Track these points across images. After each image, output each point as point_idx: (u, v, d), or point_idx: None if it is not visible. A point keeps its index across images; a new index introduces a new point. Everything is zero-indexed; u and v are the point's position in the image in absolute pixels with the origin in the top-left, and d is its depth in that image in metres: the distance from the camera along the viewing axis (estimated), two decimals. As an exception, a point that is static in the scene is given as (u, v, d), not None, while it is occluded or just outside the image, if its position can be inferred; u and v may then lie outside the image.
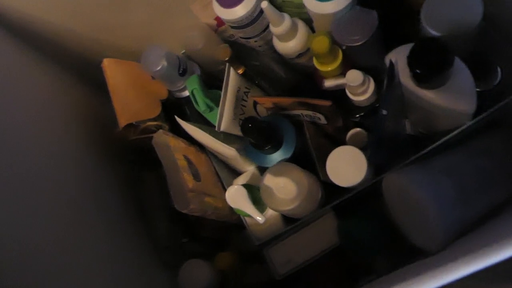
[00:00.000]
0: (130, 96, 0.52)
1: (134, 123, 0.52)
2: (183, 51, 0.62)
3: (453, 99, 0.43)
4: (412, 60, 0.40)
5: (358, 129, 0.54)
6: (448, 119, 0.46)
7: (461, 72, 0.43)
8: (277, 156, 0.50)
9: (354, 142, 0.53)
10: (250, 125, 0.44)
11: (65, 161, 0.50)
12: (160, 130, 0.50)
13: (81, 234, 0.47)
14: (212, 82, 0.58)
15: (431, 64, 0.39)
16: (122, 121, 0.51)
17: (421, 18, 0.44)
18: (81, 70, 0.59)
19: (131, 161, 0.58)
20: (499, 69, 0.45)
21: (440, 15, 0.43)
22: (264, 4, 0.47)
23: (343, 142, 0.54)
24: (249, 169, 0.55)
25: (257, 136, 0.46)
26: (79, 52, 0.58)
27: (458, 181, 0.46)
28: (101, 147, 0.56)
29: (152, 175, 0.55)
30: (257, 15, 0.53)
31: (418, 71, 0.40)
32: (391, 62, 0.42)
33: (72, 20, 0.54)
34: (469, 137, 0.51)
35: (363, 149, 0.51)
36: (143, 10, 0.56)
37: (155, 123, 0.53)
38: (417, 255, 0.46)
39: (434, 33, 0.43)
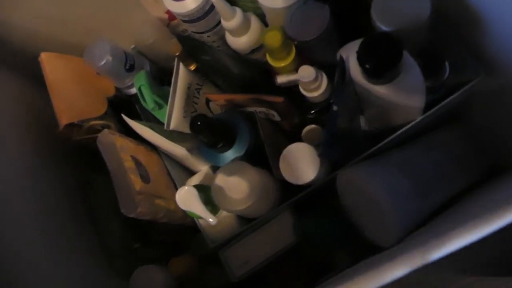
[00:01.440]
0: (72, 93, 0.49)
1: (76, 122, 0.48)
2: (133, 46, 0.59)
3: (403, 94, 0.43)
4: (361, 55, 0.40)
5: (313, 125, 0.53)
6: (400, 114, 0.46)
7: (410, 68, 0.43)
8: (230, 155, 0.48)
9: (310, 139, 0.52)
10: (199, 123, 0.42)
11: (3, 162, 0.46)
12: (105, 130, 0.47)
13: (24, 240, 0.43)
14: (165, 78, 0.56)
15: (380, 59, 0.39)
16: (63, 121, 0.47)
17: (372, 13, 0.43)
18: (21, 64, 0.55)
19: (78, 163, 0.55)
20: (447, 64, 0.45)
21: (389, 10, 0.43)
22: (213, -2, 0.45)
23: (299, 139, 0.53)
24: (202, 169, 0.53)
25: (207, 134, 0.45)
26: (19, 45, 0.54)
27: (413, 174, 0.46)
28: (44, 147, 0.52)
29: (101, 178, 0.52)
30: (209, 8, 0.51)
31: (367, 66, 0.39)
32: (341, 58, 0.42)
33: (11, 12, 0.50)
34: (424, 131, 0.52)
35: (318, 145, 0.51)
36: (90, 2, 0.53)
37: (100, 122, 0.50)
38: (377, 249, 0.46)
39: (384, 28, 0.43)
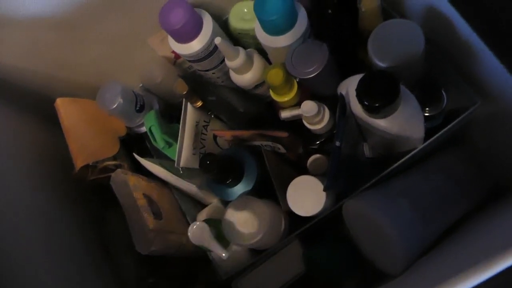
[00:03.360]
0: (86, 135, 0.51)
1: (91, 163, 0.51)
2: (141, 84, 0.62)
3: (402, 127, 0.45)
4: (360, 93, 0.41)
5: (318, 155, 0.54)
6: (401, 144, 0.48)
7: (408, 100, 0.44)
8: (238, 189, 0.50)
9: (316, 168, 0.54)
10: (208, 162, 0.44)
11: (21, 203, 0.48)
12: (118, 170, 0.49)
13: (40, 278, 0.45)
14: (173, 114, 0.58)
15: (378, 96, 0.41)
16: (79, 163, 0.49)
17: (368, 49, 0.45)
18: (38, 108, 0.58)
19: (92, 201, 0.57)
20: (444, 93, 0.47)
21: (385, 46, 0.44)
22: (218, 40, 0.47)
23: (305, 168, 0.55)
24: (213, 201, 0.55)
25: (216, 172, 0.47)
26: (34, 90, 0.57)
27: (416, 202, 0.47)
28: (60, 187, 0.54)
29: (114, 215, 0.54)
30: (213, 48, 0.53)
31: (366, 103, 0.41)
32: (341, 95, 0.44)
33: (27, 59, 0.53)
34: (425, 157, 0.53)
35: (324, 174, 0.53)
36: (99, 46, 0.55)
37: (113, 162, 0.52)
38: (384, 278, 0.47)
39: (380, 64, 0.44)
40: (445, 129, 0.47)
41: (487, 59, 0.41)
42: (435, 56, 0.48)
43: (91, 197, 0.57)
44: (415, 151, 0.47)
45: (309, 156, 0.55)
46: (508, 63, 0.39)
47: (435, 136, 0.47)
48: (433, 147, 0.51)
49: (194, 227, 0.46)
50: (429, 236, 0.47)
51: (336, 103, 0.51)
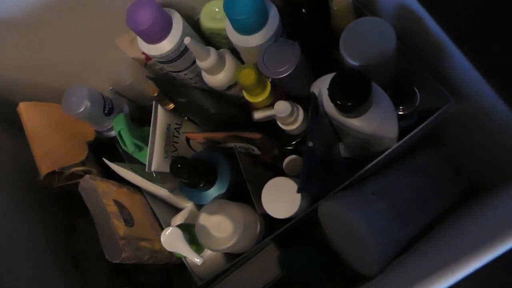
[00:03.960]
0: (52, 141, 0.49)
1: (57, 170, 0.49)
2: (111, 87, 0.60)
3: (376, 126, 0.44)
4: (332, 92, 0.41)
5: (294, 156, 0.54)
6: (375, 143, 0.47)
7: (381, 99, 0.44)
8: (212, 192, 0.49)
9: (291, 169, 0.53)
10: (179, 166, 0.43)
11: None
12: (87, 176, 0.47)
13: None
14: (145, 117, 0.57)
15: (349, 96, 0.40)
16: (44, 169, 0.47)
17: (340, 48, 0.45)
18: (5, 114, 0.55)
19: (60, 209, 0.54)
20: (417, 92, 0.47)
21: (357, 45, 0.44)
22: (187, 40, 0.46)
23: (281, 170, 0.54)
24: (187, 206, 0.53)
25: (188, 176, 0.45)
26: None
27: (392, 202, 0.47)
28: (25, 194, 0.51)
29: (84, 223, 0.52)
30: (184, 49, 0.52)
31: (338, 102, 0.41)
32: (313, 94, 0.43)
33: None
34: (400, 157, 0.53)
35: (299, 175, 0.52)
36: (64, 47, 0.53)
37: (82, 168, 0.50)
38: (362, 279, 0.47)
39: (352, 62, 0.44)
40: (419, 127, 0.47)
41: (458, 59, 0.41)
42: (407, 55, 0.48)
43: (58, 204, 0.55)
44: (389, 150, 0.47)
45: (285, 157, 0.54)
46: (477, 62, 0.39)
47: (409, 135, 0.47)
48: (408, 146, 0.51)
49: (167, 232, 0.45)
50: (405, 236, 0.47)
51: (309, 104, 0.50)
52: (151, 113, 0.52)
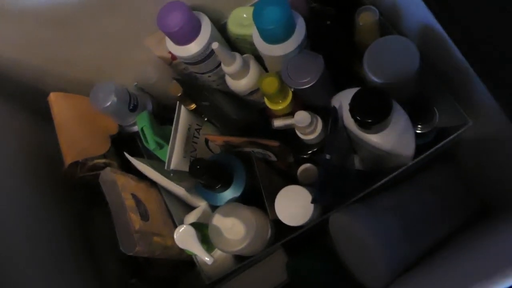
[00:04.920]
0: (77, 132, 0.51)
1: (81, 160, 0.50)
2: (135, 83, 0.61)
3: (394, 143, 0.45)
4: (353, 107, 0.42)
5: (308, 164, 0.55)
6: (391, 160, 0.48)
7: (400, 117, 0.45)
8: (227, 195, 0.50)
9: (305, 177, 0.54)
10: (198, 167, 0.44)
11: (6, 195, 0.47)
12: (107, 168, 0.49)
13: (22, 274, 0.44)
14: (166, 115, 0.58)
15: (370, 112, 0.41)
16: (68, 159, 0.49)
17: (363, 65, 0.46)
18: (29, 102, 0.57)
19: (79, 199, 0.56)
20: (436, 111, 0.47)
21: (380, 63, 0.45)
22: (215, 45, 0.47)
23: (295, 177, 0.55)
24: (201, 205, 0.55)
25: (205, 177, 0.46)
26: (27, 83, 0.56)
27: (402, 218, 0.48)
28: (47, 183, 0.53)
29: (101, 214, 0.54)
30: (210, 52, 0.53)
31: (358, 118, 0.41)
32: (334, 108, 0.44)
33: (20, 52, 0.53)
34: (413, 174, 0.53)
35: (314, 184, 0.53)
36: (94, 44, 0.55)
37: (103, 160, 0.51)
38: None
39: (375, 79, 0.45)
40: (436, 147, 0.47)
41: (476, 82, 0.42)
42: (428, 74, 0.49)
43: (78, 195, 0.56)
44: (404, 167, 0.47)
45: (300, 166, 0.55)
46: (492, 88, 0.39)
47: (425, 154, 0.48)
48: (422, 164, 0.51)
49: (180, 230, 0.46)
50: (413, 253, 0.47)
51: (328, 115, 0.51)
52: (173, 112, 0.53)
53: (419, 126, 0.48)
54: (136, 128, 0.56)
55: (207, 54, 0.53)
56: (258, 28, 0.48)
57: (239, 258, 0.52)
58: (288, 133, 0.53)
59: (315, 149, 0.55)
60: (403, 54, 0.44)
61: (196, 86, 0.55)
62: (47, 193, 0.52)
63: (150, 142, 0.50)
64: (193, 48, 0.52)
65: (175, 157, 0.49)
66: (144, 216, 0.49)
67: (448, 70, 0.46)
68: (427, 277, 0.42)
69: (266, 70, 0.56)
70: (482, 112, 0.45)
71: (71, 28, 0.50)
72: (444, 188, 0.54)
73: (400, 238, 0.46)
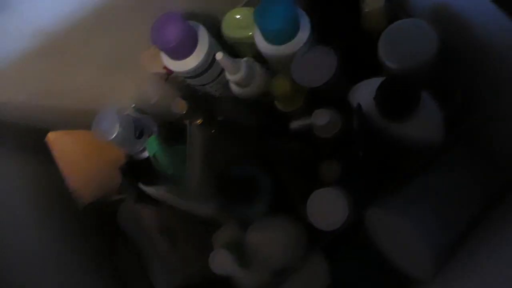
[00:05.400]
0: (86, 170, 0.48)
1: (95, 200, 0.47)
2: (133, 105, 0.58)
3: (422, 130, 0.43)
4: (381, 99, 0.39)
5: (331, 160, 0.52)
6: (420, 147, 0.46)
7: (427, 103, 0.43)
8: (255, 208, 0.48)
9: (328, 175, 0.52)
10: (222, 183, 0.42)
11: (27, 238, 0.44)
12: (124, 204, 0.45)
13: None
14: (171, 133, 0.55)
15: (399, 103, 0.39)
16: (82, 201, 0.46)
17: (379, 52, 0.43)
18: (34, 141, 0.53)
19: (99, 232, 0.53)
20: (459, 93, 0.46)
21: (397, 48, 0.43)
22: (219, 56, 0.44)
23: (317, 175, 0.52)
24: (226, 223, 0.52)
25: (230, 193, 0.44)
26: (27, 123, 0.52)
27: (436, 203, 0.46)
28: (67, 221, 0.50)
29: (126, 244, 0.50)
30: (211, 61, 0.50)
31: (387, 109, 0.39)
32: (358, 105, 0.42)
33: (15, 91, 0.48)
34: (439, 158, 0.52)
35: (337, 181, 0.51)
36: (88, 69, 0.51)
37: (119, 196, 0.48)
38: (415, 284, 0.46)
39: (392, 66, 0.43)
40: (461, 128, 0.46)
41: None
42: (448, 55, 0.46)
43: (98, 229, 0.53)
44: (434, 152, 0.46)
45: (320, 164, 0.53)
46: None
47: (453, 137, 0.46)
48: (448, 146, 0.50)
49: (217, 255, 0.43)
50: (453, 237, 0.46)
51: (345, 107, 0.49)
52: (176, 129, 0.50)
53: (442, 109, 0.46)
54: (145, 155, 0.52)
55: (208, 65, 0.50)
56: (262, 30, 0.45)
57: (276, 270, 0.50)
58: (306, 133, 0.51)
59: (335, 146, 0.53)
60: (420, 37, 0.42)
61: (202, 99, 0.52)
62: (69, 233, 0.50)
63: (166, 167, 0.47)
64: (192, 62, 0.49)
65: (195, 178, 0.46)
66: (173, 243, 0.46)
67: (468, 49, 0.44)
68: (472, 261, 0.41)
69: (271, 72, 0.53)
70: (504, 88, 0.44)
71: (62, 55, 0.46)
72: (469, 168, 0.52)
73: (438, 223, 0.45)
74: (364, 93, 0.45)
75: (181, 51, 0.47)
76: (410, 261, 0.46)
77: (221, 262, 0.43)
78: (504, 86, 0.44)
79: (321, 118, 0.46)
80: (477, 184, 0.51)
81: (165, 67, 0.55)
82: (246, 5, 0.55)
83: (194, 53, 0.48)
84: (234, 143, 0.51)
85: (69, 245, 0.49)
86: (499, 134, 0.51)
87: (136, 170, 0.50)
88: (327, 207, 0.46)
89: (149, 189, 0.48)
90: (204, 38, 0.48)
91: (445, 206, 0.47)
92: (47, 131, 0.50)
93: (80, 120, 0.51)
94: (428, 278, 0.44)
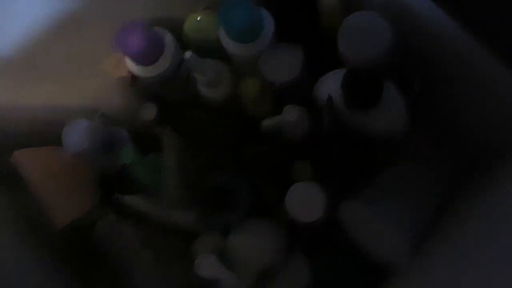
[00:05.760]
0: (59, 189, 0.46)
1: (71, 220, 0.45)
2: (100, 112, 0.56)
3: (386, 119, 0.45)
4: (347, 89, 0.41)
5: (303, 159, 0.53)
6: (385, 136, 0.48)
7: (390, 91, 0.45)
8: (232, 215, 0.48)
9: (300, 175, 0.53)
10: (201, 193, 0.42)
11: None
12: (100, 222, 0.44)
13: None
14: (143, 142, 0.54)
15: (364, 92, 0.41)
16: (58, 224, 0.44)
17: (339, 46, 0.45)
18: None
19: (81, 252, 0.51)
20: (418, 81, 0.48)
21: (354, 41, 0.44)
22: (188, 55, 0.44)
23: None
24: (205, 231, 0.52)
25: (208, 202, 0.44)
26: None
27: (406, 190, 0.48)
28: (44, 247, 0.48)
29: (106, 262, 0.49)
30: (178, 65, 0.50)
31: (353, 99, 0.41)
32: (329, 97, 0.43)
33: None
34: (405, 147, 0.54)
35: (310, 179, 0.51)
36: (50, 82, 0.49)
37: (94, 212, 0.46)
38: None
39: (351, 57, 0.44)
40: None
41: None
42: (401, 46, 0.49)
43: (76, 250, 0.51)
44: (398, 141, 0.48)
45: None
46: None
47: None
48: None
49: (204, 259, 0.43)
50: (426, 220, 0.48)
51: (312, 104, 0.50)
52: (151, 137, 0.50)
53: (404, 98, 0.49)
54: (119, 166, 0.51)
55: (176, 69, 0.50)
56: (227, 30, 0.45)
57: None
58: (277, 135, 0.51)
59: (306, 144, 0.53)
60: (373, 29, 0.44)
61: (170, 106, 0.51)
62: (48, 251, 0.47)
63: (142, 177, 0.47)
64: (160, 67, 0.48)
65: (173, 185, 0.46)
66: (156, 256, 0.45)
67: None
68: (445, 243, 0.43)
69: (237, 73, 0.53)
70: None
71: (22, 68, 0.44)
72: (432, 152, 0.55)
73: (409, 210, 0.47)
74: (329, 86, 0.46)
75: (147, 57, 0.47)
76: (385, 249, 0.47)
77: (208, 265, 0.44)
78: (453, 72, 0.47)
79: (292, 113, 0.47)
80: (444, 168, 0.53)
81: (128, 72, 0.54)
82: (206, 9, 0.55)
83: (161, 59, 0.48)
84: (207, 150, 0.51)
85: (46, 270, 0.47)
86: (458, 120, 0.55)
87: (111, 183, 0.49)
88: (306, 199, 0.47)
89: (126, 199, 0.47)
90: (170, 43, 0.48)
91: (415, 192, 0.48)
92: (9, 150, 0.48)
93: (47, 135, 0.49)
94: (404, 263, 0.45)
